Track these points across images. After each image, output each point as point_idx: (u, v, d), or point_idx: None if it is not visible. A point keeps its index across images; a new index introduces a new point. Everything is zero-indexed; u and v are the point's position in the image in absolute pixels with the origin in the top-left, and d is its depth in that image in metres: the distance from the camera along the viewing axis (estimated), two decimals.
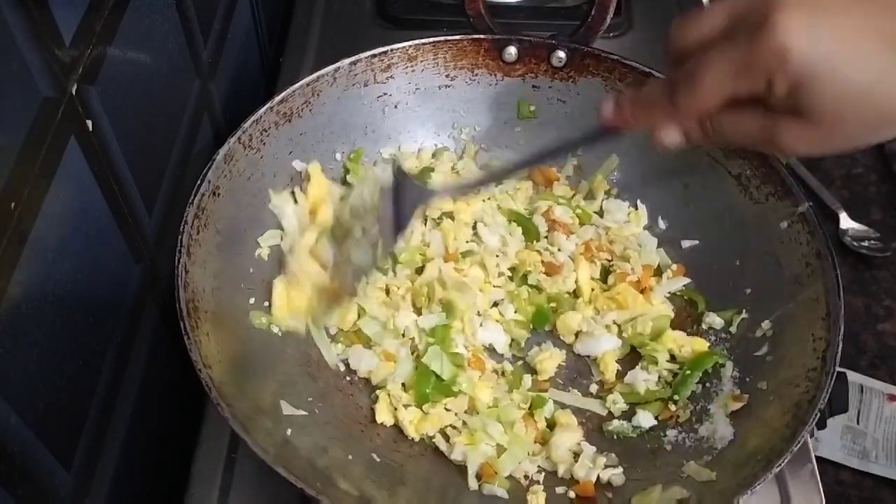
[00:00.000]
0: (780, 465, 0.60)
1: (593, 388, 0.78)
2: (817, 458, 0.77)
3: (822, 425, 0.69)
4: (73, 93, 0.56)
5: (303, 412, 0.70)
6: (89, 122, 0.59)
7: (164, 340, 0.76)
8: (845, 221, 1.38)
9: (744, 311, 0.76)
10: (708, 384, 0.74)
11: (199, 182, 0.71)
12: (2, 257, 0.48)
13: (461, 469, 0.71)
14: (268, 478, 0.72)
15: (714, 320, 0.78)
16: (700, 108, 0.53)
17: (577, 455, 0.72)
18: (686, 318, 0.81)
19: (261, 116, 0.77)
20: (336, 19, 1.13)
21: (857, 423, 1.24)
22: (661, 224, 0.86)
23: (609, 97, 0.56)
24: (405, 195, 0.69)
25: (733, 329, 0.76)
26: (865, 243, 1.37)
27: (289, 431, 0.67)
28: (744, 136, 0.54)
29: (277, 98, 0.78)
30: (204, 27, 0.85)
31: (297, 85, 0.79)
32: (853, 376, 1.26)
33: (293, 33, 1.11)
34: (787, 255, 0.74)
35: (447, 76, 0.87)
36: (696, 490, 0.65)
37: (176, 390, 0.80)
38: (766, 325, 0.73)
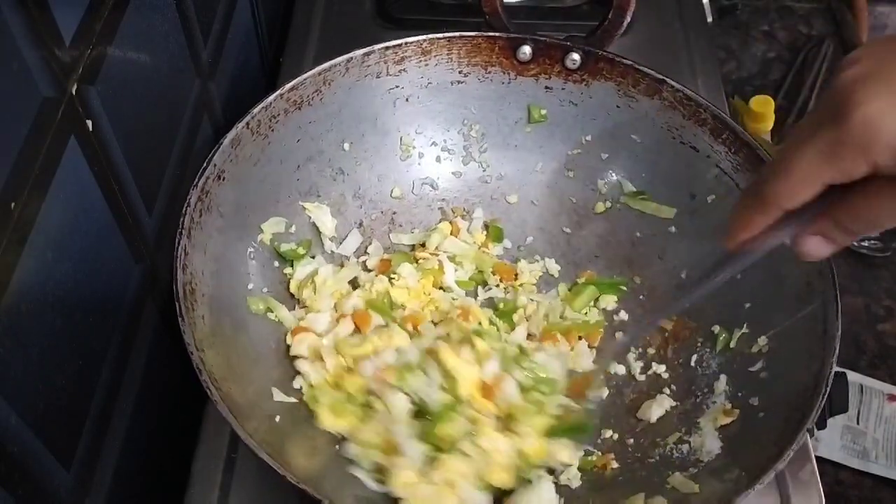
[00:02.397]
0: (763, 481, 0.59)
1: None
2: (817, 458, 0.77)
3: (822, 425, 0.70)
4: (73, 93, 0.56)
5: (293, 399, 0.70)
6: (89, 122, 0.59)
7: (164, 340, 0.76)
8: None
9: (744, 325, 0.76)
10: (699, 396, 0.74)
11: (204, 165, 0.71)
12: (2, 257, 0.48)
13: None
14: (268, 478, 0.72)
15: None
16: (792, 193, 0.50)
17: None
18: (683, 328, 0.80)
19: (270, 103, 0.77)
20: (336, 19, 1.13)
21: (857, 423, 1.25)
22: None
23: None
24: None
25: (733, 344, 0.76)
26: (865, 243, 1.37)
27: (277, 418, 0.67)
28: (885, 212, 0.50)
29: (288, 85, 0.78)
30: (204, 27, 0.85)
31: (308, 73, 0.79)
32: (853, 376, 1.27)
33: (293, 33, 1.11)
34: (789, 271, 0.73)
35: (460, 72, 0.86)
36: (678, 502, 0.65)
37: (176, 390, 0.80)
38: (762, 340, 0.73)
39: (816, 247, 0.53)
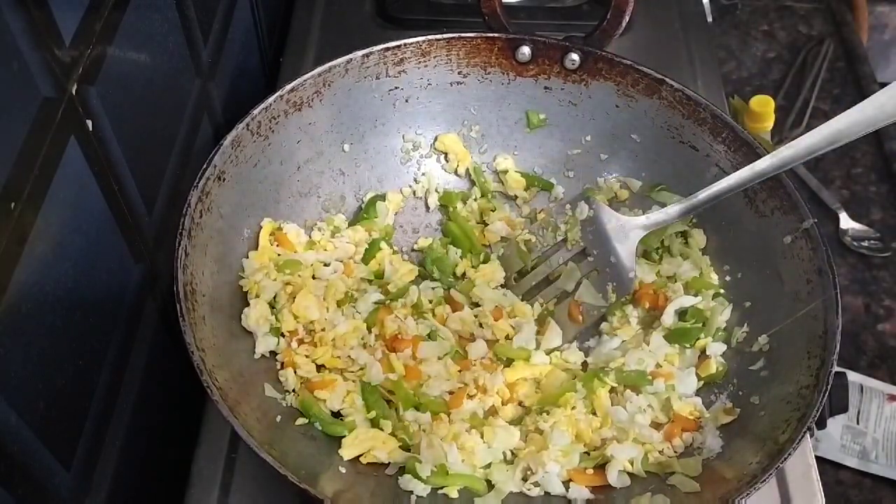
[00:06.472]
0: (764, 480, 0.60)
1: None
2: (817, 458, 0.77)
3: (822, 425, 0.70)
4: (73, 93, 0.56)
5: (291, 398, 0.70)
6: (89, 122, 0.59)
7: (164, 340, 0.76)
8: (845, 221, 1.38)
9: (745, 324, 0.76)
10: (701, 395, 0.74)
11: (204, 166, 0.71)
12: (2, 257, 0.48)
13: None
14: (268, 478, 0.72)
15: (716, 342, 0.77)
16: None
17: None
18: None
19: (270, 104, 0.77)
20: (336, 19, 1.13)
21: (857, 422, 1.25)
22: None
23: None
24: (613, 229, 0.79)
25: (733, 343, 0.76)
26: (865, 243, 1.37)
27: (278, 418, 0.68)
28: None
29: (288, 87, 0.78)
30: (204, 27, 0.85)
31: (308, 74, 0.79)
32: (853, 376, 1.26)
33: (293, 33, 1.11)
34: (789, 270, 0.73)
35: (460, 73, 0.86)
36: (679, 501, 0.65)
37: (176, 391, 0.80)
38: (762, 339, 0.73)
39: None
